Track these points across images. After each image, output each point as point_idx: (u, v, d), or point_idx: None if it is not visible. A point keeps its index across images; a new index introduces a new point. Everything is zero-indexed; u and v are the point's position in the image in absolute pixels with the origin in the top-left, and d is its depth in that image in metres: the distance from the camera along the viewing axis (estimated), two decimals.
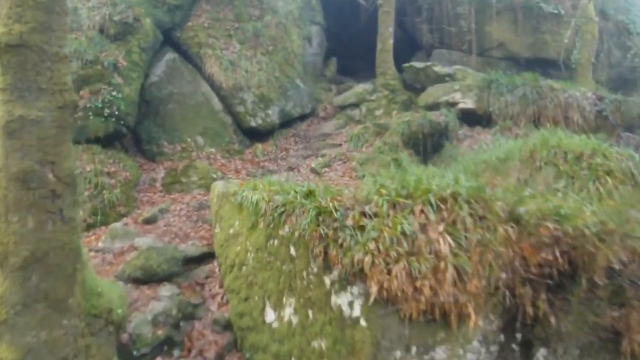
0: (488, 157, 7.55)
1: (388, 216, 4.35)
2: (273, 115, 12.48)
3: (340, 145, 11.00)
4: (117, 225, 8.45)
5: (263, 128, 12.24)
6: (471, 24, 15.74)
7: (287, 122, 13.17)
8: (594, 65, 15.46)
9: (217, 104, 12.20)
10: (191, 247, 7.23)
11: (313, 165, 9.93)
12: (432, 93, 11.67)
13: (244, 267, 5.79)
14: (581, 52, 15.16)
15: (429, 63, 12.65)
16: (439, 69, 12.39)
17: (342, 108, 13.49)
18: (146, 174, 10.38)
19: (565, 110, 10.28)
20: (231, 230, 6.29)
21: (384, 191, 4.62)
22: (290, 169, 10.24)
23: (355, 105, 13.17)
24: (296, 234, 4.96)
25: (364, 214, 4.50)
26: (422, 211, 4.33)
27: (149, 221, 8.79)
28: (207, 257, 7.08)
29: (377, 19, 19.20)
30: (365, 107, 12.84)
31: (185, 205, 9.27)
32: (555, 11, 15.17)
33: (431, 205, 4.34)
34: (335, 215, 4.57)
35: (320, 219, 4.69)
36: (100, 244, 8.19)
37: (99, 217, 8.90)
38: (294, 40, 14.63)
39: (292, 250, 5.04)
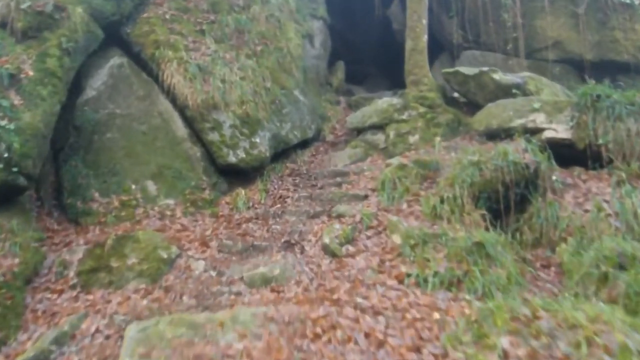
0: None
1: None
2: (262, 144, 8.13)
3: (366, 197, 6.65)
4: None
5: (247, 164, 7.85)
6: (517, 17, 11.45)
7: (283, 151, 8.84)
8: None
9: (180, 130, 7.85)
10: None
11: (326, 239, 5.60)
12: (497, 113, 7.37)
13: None
14: None
15: (484, 69, 8.34)
16: (500, 76, 8.07)
17: (360, 131, 9.16)
18: (55, 252, 6.00)
19: None
20: None
21: None
22: (289, 244, 5.88)
23: (378, 127, 8.83)
24: None
25: None
26: None
27: None
28: None
29: (391, 14, 14.99)
30: (394, 130, 8.51)
31: (106, 322, 4.93)
32: (628, 1, 10.92)
33: None
34: None
35: None
36: None
37: None
38: (290, 39, 10.29)
39: None
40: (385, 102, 8.97)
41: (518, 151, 6.37)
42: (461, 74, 8.56)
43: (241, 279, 5.21)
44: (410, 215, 5.95)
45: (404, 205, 6.26)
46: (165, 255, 5.91)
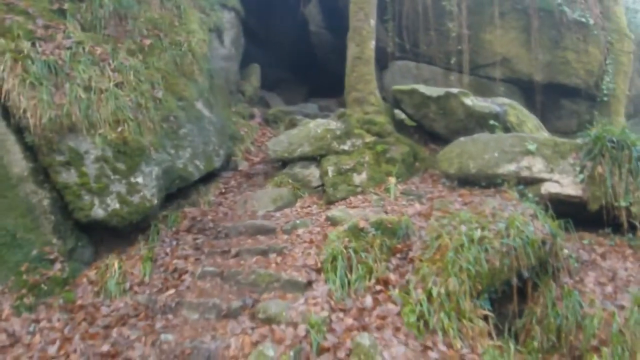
0: None
1: None
2: (147, 185, 5.42)
3: (309, 284, 4.26)
4: None
5: (123, 219, 5.09)
6: (462, 28, 9.65)
7: (180, 190, 6.21)
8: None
9: (17, 165, 4.93)
10: None
11: None
12: (475, 152, 5.35)
13: None
14: (616, 80, 9.72)
15: (453, 90, 6.32)
16: (474, 102, 6.11)
17: (286, 162, 6.73)
18: None
19: None
20: None
21: None
22: None
23: (311, 158, 6.49)
24: None
25: None
26: None
27: None
28: None
29: (309, 14, 12.69)
30: (333, 165, 6.19)
31: None
32: (583, 19, 9.51)
33: None
34: None
35: None
36: None
37: None
38: (193, 32, 7.58)
39: None
40: (321, 125, 6.64)
41: (525, 217, 4.36)
42: (419, 95, 6.50)
43: None
44: (383, 324, 3.70)
45: (369, 301, 4.00)
46: None
